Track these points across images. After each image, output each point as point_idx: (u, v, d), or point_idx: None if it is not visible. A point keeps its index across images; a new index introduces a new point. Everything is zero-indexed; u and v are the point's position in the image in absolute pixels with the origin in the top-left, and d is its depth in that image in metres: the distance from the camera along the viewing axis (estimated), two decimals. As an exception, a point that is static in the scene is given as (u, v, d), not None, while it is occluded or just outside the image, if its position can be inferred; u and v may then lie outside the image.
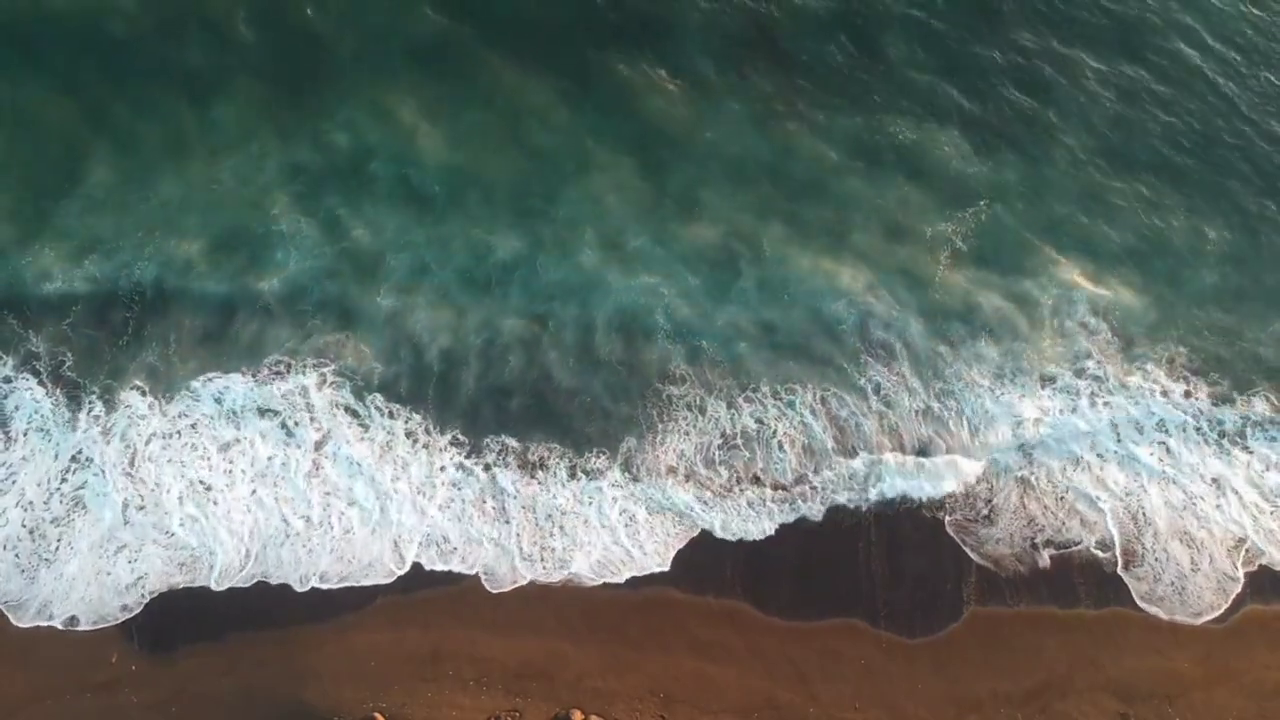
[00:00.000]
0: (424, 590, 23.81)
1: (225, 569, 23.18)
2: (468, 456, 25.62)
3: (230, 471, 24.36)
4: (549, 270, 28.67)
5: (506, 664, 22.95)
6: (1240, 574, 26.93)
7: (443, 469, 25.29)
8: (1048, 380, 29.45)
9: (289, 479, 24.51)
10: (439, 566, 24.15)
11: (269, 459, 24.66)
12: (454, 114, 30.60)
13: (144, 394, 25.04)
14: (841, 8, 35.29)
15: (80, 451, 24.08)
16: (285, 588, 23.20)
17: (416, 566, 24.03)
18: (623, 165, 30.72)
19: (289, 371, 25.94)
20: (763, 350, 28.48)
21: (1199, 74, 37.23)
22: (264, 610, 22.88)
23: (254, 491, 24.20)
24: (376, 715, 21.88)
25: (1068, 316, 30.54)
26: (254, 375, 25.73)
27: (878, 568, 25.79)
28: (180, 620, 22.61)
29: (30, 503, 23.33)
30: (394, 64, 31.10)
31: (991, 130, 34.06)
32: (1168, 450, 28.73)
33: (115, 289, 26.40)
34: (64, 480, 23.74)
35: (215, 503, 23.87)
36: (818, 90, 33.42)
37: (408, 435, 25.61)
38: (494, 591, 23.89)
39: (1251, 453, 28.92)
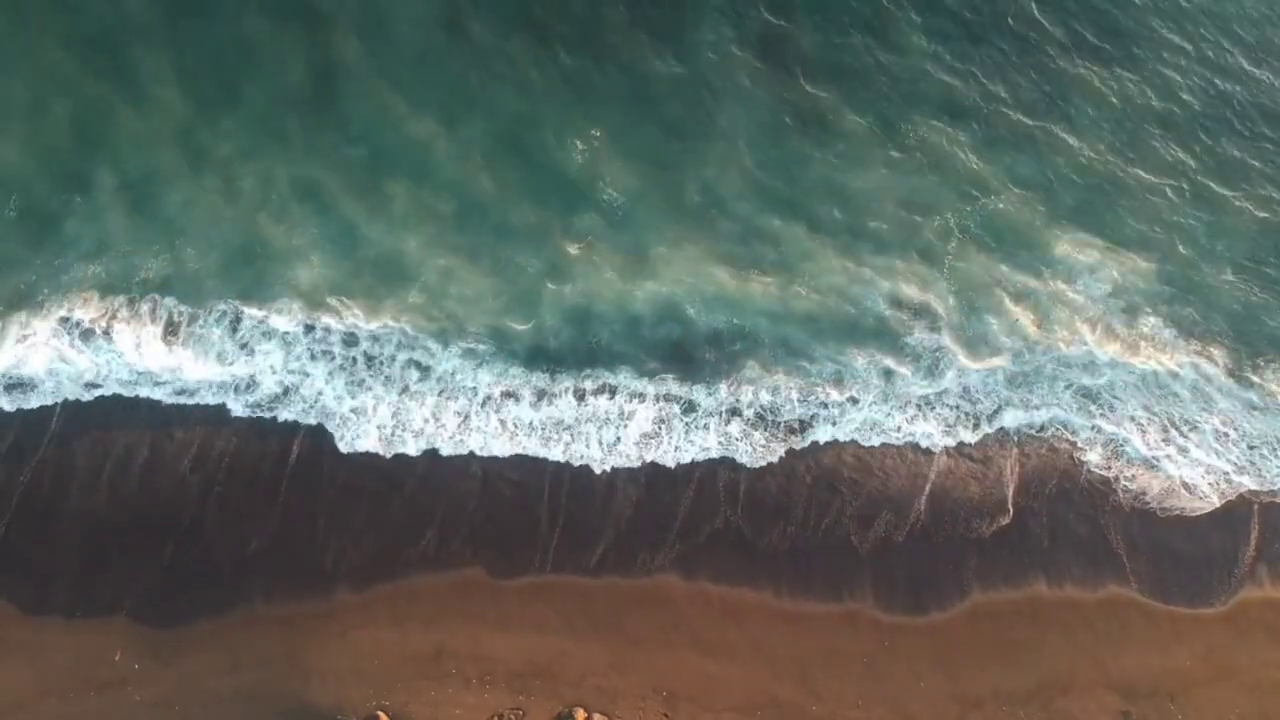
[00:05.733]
0: (429, 578, 23.65)
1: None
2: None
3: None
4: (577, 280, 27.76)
5: (509, 662, 22.95)
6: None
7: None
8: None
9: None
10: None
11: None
12: (468, 125, 28.77)
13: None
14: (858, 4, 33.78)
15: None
16: (288, 587, 23.07)
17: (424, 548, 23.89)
18: (639, 169, 29.37)
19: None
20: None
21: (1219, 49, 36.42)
22: (267, 608, 22.76)
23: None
24: (380, 714, 21.96)
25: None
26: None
27: (881, 551, 25.80)
28: (184, 618, 22.50)
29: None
30: (407, 74, 28.99)
31: (1007, 119, 33.15)
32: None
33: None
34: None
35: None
36: (835, 87, 32.17)
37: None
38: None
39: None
